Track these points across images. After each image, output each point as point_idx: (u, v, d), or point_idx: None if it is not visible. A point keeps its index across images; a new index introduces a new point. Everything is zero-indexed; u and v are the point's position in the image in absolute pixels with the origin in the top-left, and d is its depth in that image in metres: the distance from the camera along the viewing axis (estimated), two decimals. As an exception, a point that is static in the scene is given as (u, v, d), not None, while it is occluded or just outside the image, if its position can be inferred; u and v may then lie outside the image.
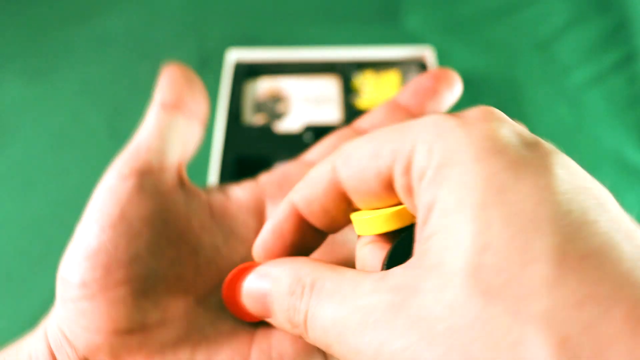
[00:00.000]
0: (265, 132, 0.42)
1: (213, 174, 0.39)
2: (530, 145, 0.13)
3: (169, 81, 0.21)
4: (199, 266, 0.19)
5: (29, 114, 0.50)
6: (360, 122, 0.23)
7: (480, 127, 0.13)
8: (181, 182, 0.21)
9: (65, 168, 0.46)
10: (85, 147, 0.46)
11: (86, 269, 0.17)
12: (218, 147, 0.41)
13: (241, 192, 0.21)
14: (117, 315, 0.17)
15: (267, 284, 0.17)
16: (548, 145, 0.13)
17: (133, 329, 0.17)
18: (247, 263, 0.19)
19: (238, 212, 0.21)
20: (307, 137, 0.42)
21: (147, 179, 0.19)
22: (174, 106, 0.21)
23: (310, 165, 0.22)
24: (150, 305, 0.18)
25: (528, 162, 0.12)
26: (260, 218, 0.21)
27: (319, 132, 0.42)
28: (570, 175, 0.12)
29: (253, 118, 0.45)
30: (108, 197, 0.19)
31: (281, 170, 0.22)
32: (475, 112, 0.14)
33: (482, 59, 0.53)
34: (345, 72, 0.47)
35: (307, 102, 0.46)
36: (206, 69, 0.51)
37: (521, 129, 0.14)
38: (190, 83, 0.21)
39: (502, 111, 0.14)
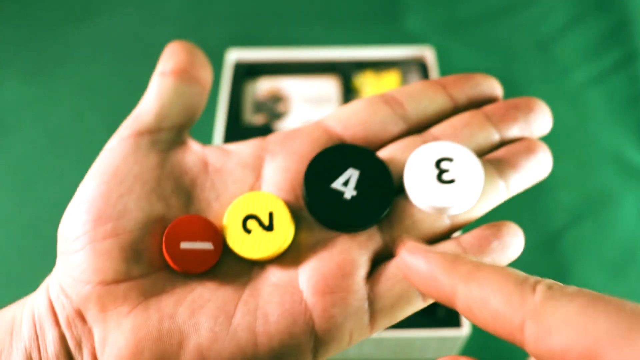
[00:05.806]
0: (265, 132, 0.42)
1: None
2: None
3: (168, 53, 0.23)
4: None
5: (29, 114, 0.50)
6: (391, 92, 0.23)
7: None
8: (180, 141, 0.21)
9: (65, 168, 0.46)
10: (85, 147, 0.46)
11: (78, 223, 0.18)
12: (218, 147, 0.41)
13: (243, 148, 0.22)
14: (103, 267, 0.18)
15: None
16: None
17: (118, 279, 0.18)
18: (187, 216, 0.19)
19: (234, 168, 0.21)
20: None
21: (143, 139, 0.21)
22: (173, 73, 0.22)
23: (326, 128, 0.22)
24: (135, 258, 0.18)
25: None
26: (257, 173, 0.21)
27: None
28: None
29: (253, 118, 0.45)
30: (105, 157, 0.20)
31: (291, 128, 0.23)
32: None
33: (482, 59, 0.53)
34: (345, 72, 0.47)
35: (307, 102, 0.46)
36: (206, 69, 0.51)
37: None
38: (192, 53, 0.23)
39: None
